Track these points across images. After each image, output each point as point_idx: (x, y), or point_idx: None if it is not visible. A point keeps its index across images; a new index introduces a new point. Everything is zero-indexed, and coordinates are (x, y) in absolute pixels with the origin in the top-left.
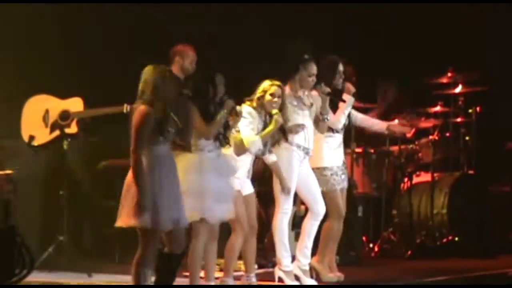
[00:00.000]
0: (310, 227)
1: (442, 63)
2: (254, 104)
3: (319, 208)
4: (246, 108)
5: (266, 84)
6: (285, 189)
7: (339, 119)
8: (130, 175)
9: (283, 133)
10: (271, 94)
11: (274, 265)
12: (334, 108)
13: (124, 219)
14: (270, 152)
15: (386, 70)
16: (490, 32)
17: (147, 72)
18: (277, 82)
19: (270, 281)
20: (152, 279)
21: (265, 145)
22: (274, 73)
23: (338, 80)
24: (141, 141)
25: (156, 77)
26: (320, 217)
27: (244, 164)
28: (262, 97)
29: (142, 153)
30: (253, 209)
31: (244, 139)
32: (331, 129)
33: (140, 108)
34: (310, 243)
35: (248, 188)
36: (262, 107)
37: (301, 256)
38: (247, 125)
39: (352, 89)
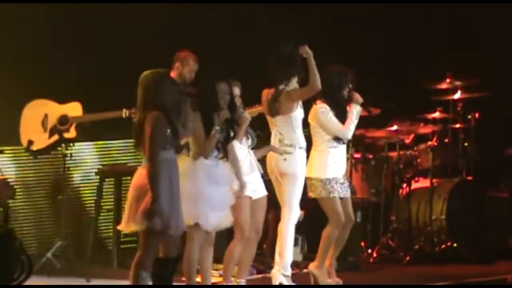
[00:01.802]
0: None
1: (441, 68)
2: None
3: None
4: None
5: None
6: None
7: (349, 128)
8: (136, 180)
9: (253, 128)
10: (236, 96)
11: (271, 270)
12: (343, 118)
13: (129, 223)
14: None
15: (385, 75)
16: (489, 37)
17: (147, 78)
18: (236, 83)
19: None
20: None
21: (251, 137)
22: (271, 76)
23: (348, 91)
24: (156, 147)
25: (158, 82)
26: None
27: (245, 160)
28: None
29: (159, 159)
30: (261, 214)
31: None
32: (338, 139)
33: (151, 115)
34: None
35: (260, 191)
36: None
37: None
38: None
39: (360, 99)
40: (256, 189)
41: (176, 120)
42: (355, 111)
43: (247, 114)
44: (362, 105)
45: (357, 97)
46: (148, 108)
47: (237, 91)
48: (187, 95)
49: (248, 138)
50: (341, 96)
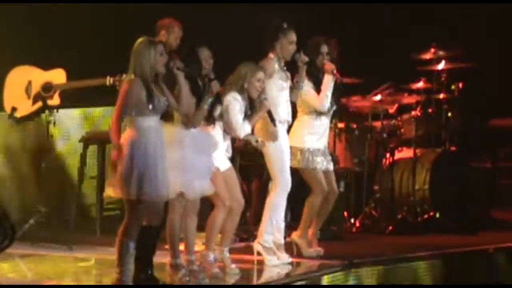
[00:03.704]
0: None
1: (426, 39)
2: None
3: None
4: (231, 94)
5: (247, 67)
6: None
7: (322, 102)
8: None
9: (271, 117)
10: (259, 80)
11: (255, 239)
12: (318, 90)
13: (112, 189)
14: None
15: (369, 45)
16: (474, 8)
17: (138, 44)
18: (260, 66)
19: (250, 255)
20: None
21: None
22: (254, 46)
23: (321, 61)
24: (122, 110)
25: (142, 49)
26: (286, 191)
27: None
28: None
29: (121, 122)
30: (235, 184)
31: (234, 125)
32: (317, 113)
33: (127, 79)
34: (280, 218)
35: (225, 164)
36: (245, 91)
37: (274, 231)
38: (236, 111)
39: (330, 67)
40: (219, 162)
41: (167, 91)
42: (326, 82)
43: (267, 103)
44: (332, 73)
45: (328, 66)
46: (133, 72)
47: (261, 75)
48: (178, 69)
49: (253, 127)
50: (314, 67)
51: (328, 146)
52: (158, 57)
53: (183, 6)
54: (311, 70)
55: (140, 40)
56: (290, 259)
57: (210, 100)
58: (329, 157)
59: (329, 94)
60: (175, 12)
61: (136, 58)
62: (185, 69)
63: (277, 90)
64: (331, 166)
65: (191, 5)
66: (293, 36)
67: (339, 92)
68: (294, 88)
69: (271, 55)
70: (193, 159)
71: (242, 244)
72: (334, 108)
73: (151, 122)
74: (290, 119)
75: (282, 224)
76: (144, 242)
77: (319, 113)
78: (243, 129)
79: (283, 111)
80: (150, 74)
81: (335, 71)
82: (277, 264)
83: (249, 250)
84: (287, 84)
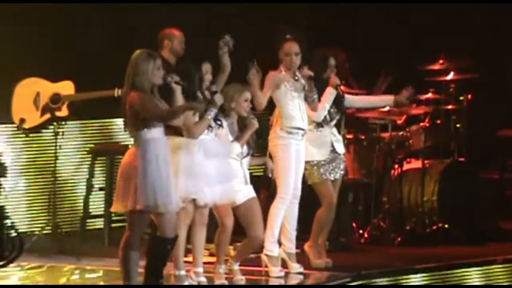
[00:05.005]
0: (283, 212)
1: (434, 49)
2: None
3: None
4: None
5: (234, 89)
6: None
7: (319, 112)
8: (124, 160)
9: (258, 136)
10: (246, 100)
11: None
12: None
13: (121, 204)
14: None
15: (378, 56)
16: (482, 19)
17: (136, 56)
18: (247, 87)
19: (257, 266)
20: (141, 263)
21: (248, 145)
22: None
23: (329, 74)
24: (158, 114)
25: (139, 62)
26: (287, 202)
27: (237, 172)
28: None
29: (146, 137)
30: (255, 217)
31: None
32: (316, 123)
33: (133, 95)
34: (290, 226)
35: (245, 194)
36: (233, 111)
37: (285, 240)
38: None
39: (335, 81)
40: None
41: (162, 102)
42: (327, 94)
43: (256, 121)
44: (336, 88)
45: (333, 79)
46: (128, 87)
47: (247, 95)
48: (176, 83)
49: (242, 147)
50: (320, 81)
51: (338, 155)
52: (155, 71)
53: (189, 16)
54: (317, 83)
55: (138, 52)
56: (301, 269)
57: (214, 112)
58: (339, 165)
59: (328, 106)
60: (182, 24)
61: (134, 70)
62: (181, 83)
63: (288, 100)
64: (338, 175)
65: (200, 15)
66: (290, 48)
67: (342, 101)
68: (306, 102)
69: (281, 67)
70: (203, 165)
71: (252, 256)
72: (338, 117)
73: (159, 133)
74: (305, 127)
75: (293, 233)
76: (158, 254)
77: (318, 124)
78: (233, 148)
79: (297, 121)
80: (148, 87)
81: (339, 87)
82: (279, 275)
83: (259, 261)
84: (299, 94)
